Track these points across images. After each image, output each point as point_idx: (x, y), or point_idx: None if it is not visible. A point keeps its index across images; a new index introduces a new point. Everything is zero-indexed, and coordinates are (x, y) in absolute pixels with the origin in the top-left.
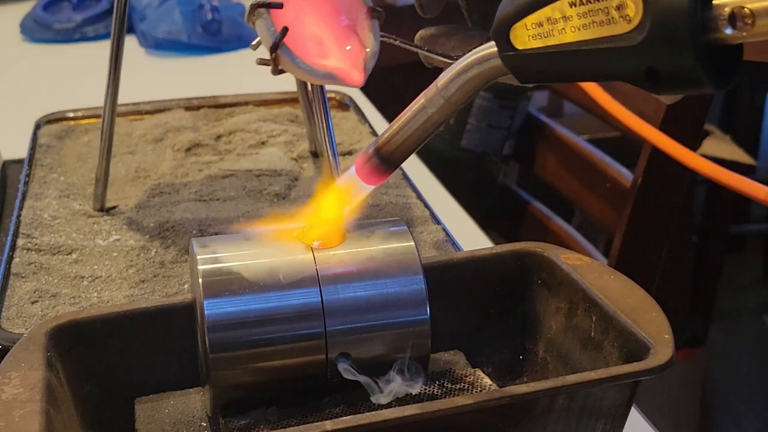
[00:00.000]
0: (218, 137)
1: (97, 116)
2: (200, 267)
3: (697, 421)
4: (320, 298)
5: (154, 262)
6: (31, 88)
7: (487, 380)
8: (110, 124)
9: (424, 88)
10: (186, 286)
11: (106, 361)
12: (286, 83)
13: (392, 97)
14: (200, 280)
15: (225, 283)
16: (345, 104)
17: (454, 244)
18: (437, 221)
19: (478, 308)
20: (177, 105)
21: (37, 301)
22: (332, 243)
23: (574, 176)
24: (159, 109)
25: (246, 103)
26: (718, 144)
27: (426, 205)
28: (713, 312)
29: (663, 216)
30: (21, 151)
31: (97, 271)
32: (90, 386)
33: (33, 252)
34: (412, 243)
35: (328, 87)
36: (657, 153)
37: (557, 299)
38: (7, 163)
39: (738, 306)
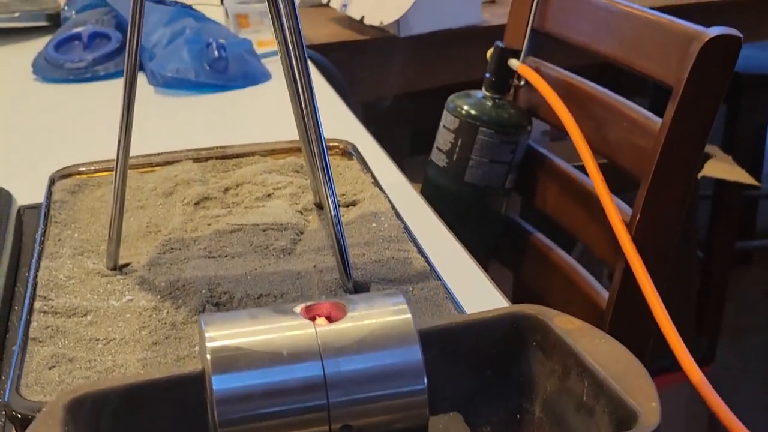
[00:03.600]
0: (226, 190)
1: (110, 170)
2: (208, 344)
3: None
4: (322, 372)
5: (165, 323)
6: (44, 130)
7: None
8: (122, 186)
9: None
10: (196, 348)
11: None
12: (290, 127)
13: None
14: (208, 357)
15: (232, 360)
16: (348, 152)
17: (454, 301)
18: (438, 277)
19: (476, 370)
20: (186, 157)
21: (54, 366)
22: (334, 318)
23: (574, 209)
24: (169, 161)
25: (253, 154)
26: (721, 165)
27: (427, 260)
28: (720, 328)
29: (662, 248)
30: (35, 196)
31: (111, 333)
32: None
33: (50, 315)
34: (410, 316)
35: (331, 135)
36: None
37: (552, 362)
38: (22, 209)
39: (744, 322)
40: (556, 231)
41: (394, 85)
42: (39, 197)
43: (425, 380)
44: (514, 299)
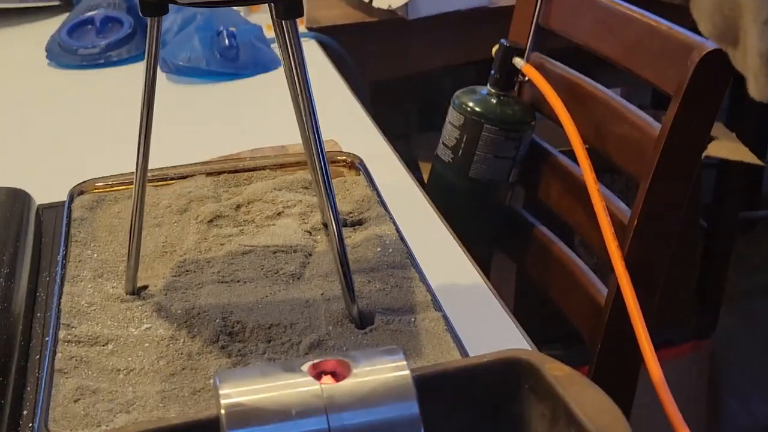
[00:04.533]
0: (238, 207)
1: (127, 183)
2: (222, 401)
3: (704, 403)
4: (327, 427)
5: (182, 353)
6: (60, 120)
7: None
8: (139, 216)
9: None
10: (211, 381)
11: None
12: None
13: None
14: (223, 412)
15: (244, 416)
16: (356, 167)
17: (454, 333)
18: (438, 308)
19: (472, 410)
20: (199, 171)
21: (79, 399)
22: (339, 375)
23: (575, 205)
24: (183, 175)
25: (264, 168)
26: (725, 145)
27: (428, 289)
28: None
29: (663, 245)
30: (52, 194)
31: (131, 363)
32: None
33: (73, 344)
34: (407, 372)
35: (337, 147)
36: (653, 189)
37: (542, 405)
38: (41, 209)
39: (747, 288)
40: (558, 224)
41: (402, 65)
42: (54, 194)
43: (422, 430)
44: (517, 290)
